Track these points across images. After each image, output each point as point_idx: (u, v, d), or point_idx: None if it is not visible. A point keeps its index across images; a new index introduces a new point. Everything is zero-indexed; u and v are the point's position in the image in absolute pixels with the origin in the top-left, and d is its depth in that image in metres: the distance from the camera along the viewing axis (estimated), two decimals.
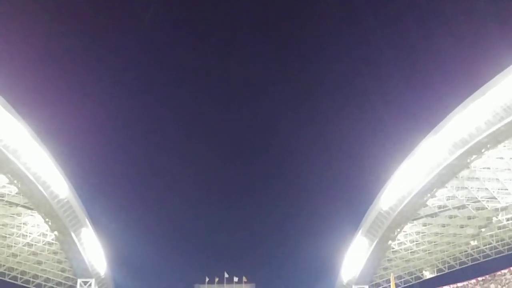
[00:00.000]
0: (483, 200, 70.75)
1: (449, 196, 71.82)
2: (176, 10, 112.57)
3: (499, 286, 79.68)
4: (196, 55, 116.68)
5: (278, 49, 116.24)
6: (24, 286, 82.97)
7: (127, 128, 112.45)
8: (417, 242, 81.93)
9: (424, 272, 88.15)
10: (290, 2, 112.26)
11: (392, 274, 77.98)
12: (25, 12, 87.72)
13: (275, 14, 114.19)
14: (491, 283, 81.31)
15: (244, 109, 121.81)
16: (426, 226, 78.80)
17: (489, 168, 65.54)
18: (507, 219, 76.07)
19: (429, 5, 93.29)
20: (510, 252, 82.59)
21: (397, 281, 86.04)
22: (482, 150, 60.31)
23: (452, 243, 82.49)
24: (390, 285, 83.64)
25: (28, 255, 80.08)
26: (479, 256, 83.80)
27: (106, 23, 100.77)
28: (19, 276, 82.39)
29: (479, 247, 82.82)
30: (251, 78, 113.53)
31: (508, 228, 78.67)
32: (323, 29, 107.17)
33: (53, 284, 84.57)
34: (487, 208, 72.45)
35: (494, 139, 57.81)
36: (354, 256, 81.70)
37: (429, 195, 69.47)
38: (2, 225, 75.24)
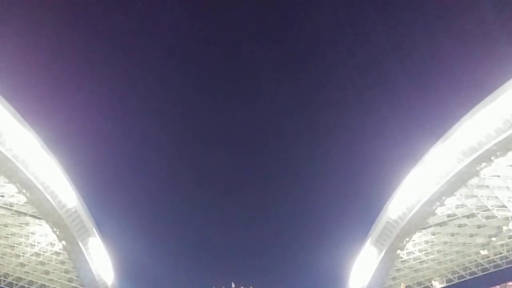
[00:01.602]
0: (493, 209, 70.19)
1: (458, 205, 71.40)
2: (180, 11, 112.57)
3: None
4: (199, 56, 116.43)
5: (284, 53, 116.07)
6: None
7: (136, 138, 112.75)
8: (426, 252, 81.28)
9: (433, 282, 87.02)
10: (295, 3, 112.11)
11: (403, 284, 77.30)
12: (34, 21, 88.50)
13: (282, 15, 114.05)
14: None
15: (250, 119, 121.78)
16: (435, 235, 78.25)
17: (499, 176, 65.09)
18: None
19: (437, 9, 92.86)
20: None
21: None
22: (492, 158, 59.86)
23: (462, 252, 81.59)
24: None
25: (35, 264, 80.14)
26: (489, 266, 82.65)
27: (111, 30, 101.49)
28: (26, 286, 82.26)
29: (489, 257, 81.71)
30: (258, 81, 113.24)
31: None
32: (329, 34, 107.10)
33: None
34: (497, 217, 71.84)
35: (504, 147, 57.47)
36: (363, 265, 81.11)
37: (438, 203, 69.01)
38: (11, 234, 75.63)
